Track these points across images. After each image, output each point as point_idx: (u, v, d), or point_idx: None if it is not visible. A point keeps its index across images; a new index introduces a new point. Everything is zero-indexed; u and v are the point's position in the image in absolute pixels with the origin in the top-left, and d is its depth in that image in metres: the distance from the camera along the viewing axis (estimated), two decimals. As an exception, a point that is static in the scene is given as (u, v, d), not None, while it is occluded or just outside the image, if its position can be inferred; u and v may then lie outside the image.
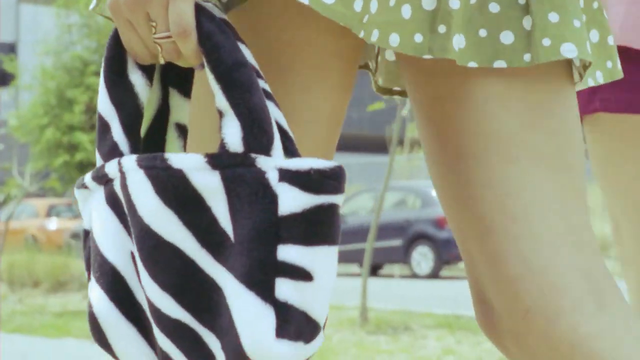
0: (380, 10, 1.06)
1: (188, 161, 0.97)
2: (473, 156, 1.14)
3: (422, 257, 14.45)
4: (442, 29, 1.09)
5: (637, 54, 1.61)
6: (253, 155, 0.96)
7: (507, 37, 1.10)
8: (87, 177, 1.08)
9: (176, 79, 1.09)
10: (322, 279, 0.96)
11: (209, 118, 1.11)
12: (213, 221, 0.97)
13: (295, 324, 0.95)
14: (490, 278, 1.15)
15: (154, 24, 1.00)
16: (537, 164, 1.13)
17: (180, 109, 1.09)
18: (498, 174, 1.13)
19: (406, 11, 1.08)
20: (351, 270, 15.41)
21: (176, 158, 0.98)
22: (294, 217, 0.95)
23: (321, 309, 0.97)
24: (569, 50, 1.10)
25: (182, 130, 1.10)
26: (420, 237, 14.46)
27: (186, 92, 1.09)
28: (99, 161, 1.06)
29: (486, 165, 1.13)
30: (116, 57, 1.05)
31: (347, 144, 27.95)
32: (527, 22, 1.11)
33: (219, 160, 0.97)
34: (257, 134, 0.97)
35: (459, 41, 1.09)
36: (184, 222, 0.98)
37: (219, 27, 0.99)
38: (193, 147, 1.12)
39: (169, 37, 0.99)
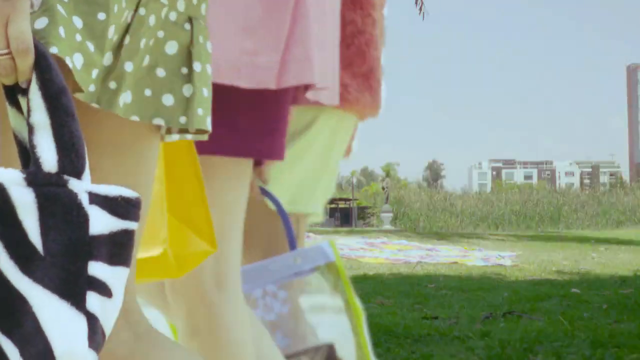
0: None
1: (7, 176, 1.02)
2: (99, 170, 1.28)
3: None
4: (112, 85, 1.23)
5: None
6: (65, 177, 1.04)
7: (168, 99, 1.28)
8: None
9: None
10: (117, 298, 1.08)
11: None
12: (23, 235, 1.02)
13: (98, 336, 1.05)
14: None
15: None
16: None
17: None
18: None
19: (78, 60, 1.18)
20: None
21: None
22: (102, 238, 1.05)
23: (111, 326, 1.08)
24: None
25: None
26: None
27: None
28: None
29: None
30: None
31: None
32: (187, 90, 1.31)
33: (35, 178, 1.03)
34: (74, 159, 1.05)
35: (126, 97, 1.24)
36: None
37: (46, 51, 1.08)
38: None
39: (7, 53, 1.06)
